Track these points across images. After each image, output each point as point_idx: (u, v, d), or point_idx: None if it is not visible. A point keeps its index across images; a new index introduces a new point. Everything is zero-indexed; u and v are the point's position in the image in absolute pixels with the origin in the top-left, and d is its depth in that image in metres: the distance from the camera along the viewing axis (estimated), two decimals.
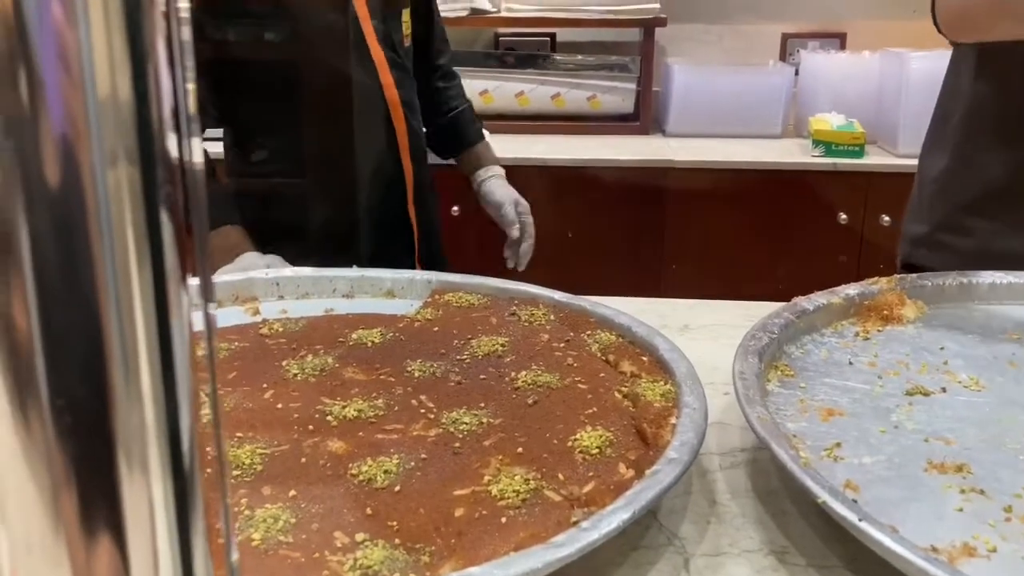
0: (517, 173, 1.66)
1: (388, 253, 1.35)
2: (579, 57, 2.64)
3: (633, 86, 2.55)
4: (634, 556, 0.65)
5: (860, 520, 0.57)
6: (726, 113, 2.48)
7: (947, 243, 1.28)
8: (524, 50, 2.72)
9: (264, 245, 1.26)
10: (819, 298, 0.98)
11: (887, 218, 2.12)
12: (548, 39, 2.74)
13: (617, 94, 2.55)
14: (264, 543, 0.57)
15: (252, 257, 1.21)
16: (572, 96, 2.56)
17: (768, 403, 0.79)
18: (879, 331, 0.97)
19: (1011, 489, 0.67)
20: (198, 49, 0.23)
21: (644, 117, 2.54)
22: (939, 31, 1.16)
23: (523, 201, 1.53)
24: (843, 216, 2.17)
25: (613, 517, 0.57)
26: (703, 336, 1.08)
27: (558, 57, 2.66)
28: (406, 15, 1.40)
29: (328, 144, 1.34)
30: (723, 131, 2.48)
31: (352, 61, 1.32)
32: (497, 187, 1.51)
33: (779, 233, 2.21)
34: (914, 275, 1.06)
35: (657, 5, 2.54)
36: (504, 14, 2.56)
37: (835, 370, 0.88)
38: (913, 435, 0.75)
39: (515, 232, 1.50)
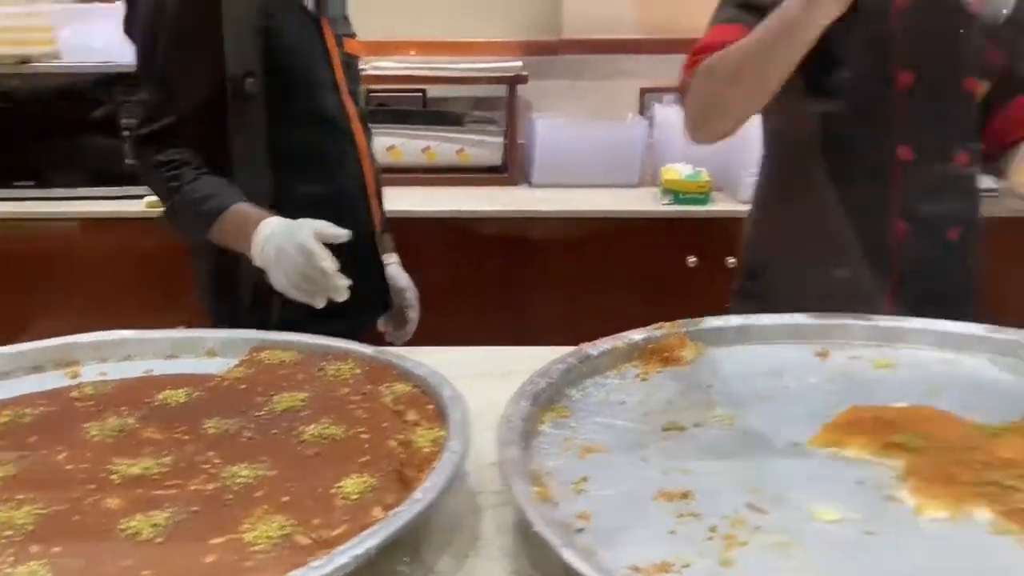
0: (393, 225, 1.69)
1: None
2: (449, 112, 2.75)
3: (500, 139, 2.66)
4: None
5: (561, 547, 0.65)
6: (587, 164, 2.61)
7: (752, 287, 1.41)
8: (395, 106, 2.81)
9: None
10: (604, 343, 1.08)
11: (732, 260, 2.26)
12: (420, 95, 2.84)
13: (485, 147, 2.66)
14: None
15: (277, 223, 1.21)
16: (442, 149, 2.65)
17: (534, 443, 0.88)
18: (658, 372, 1.07)
19: (723, 512, 0.76)
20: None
21: (512, 169, 2.65)
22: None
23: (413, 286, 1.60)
24: (691, 259, 2.31)
25: (345, 554, 0.64)
26: (517, 382, 1.15)
27: (429, 112, 2.76)
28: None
29: (312, 189, 1.39)
30: (585, 181, 2.61)
31: (332, 109, 1.41)
32: (399, 273, 1.58)
33: (635, 277, 2.34)
34: (698, 319, 1.17)
35: (520, 63, 2.68)
36: (372, 71, 2.66)
37: (607, 410, 0.97)
38: (656, 467, 0.84)
39: (412, 315, 1.56)
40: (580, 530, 0.73)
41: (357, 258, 1.45)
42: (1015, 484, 0.77)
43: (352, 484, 0.76)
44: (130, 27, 1.33)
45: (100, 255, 2.32)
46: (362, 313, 1.49)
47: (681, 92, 1.28)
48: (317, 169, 1.40)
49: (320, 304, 1.16)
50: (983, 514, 0.75)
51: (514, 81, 2.62)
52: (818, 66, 1.17)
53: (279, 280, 1.19)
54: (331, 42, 1.41)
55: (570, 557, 0.64)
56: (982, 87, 1.25)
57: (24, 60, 2.44)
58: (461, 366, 1.07)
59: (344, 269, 1.37)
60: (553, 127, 2.65)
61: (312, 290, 1.16)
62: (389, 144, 2.61)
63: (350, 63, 1.48)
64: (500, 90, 2.68)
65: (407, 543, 0.79)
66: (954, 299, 1.28)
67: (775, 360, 1.10)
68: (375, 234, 1.51)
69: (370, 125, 1.59)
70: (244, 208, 1.26)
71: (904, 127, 1.23)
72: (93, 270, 2.29)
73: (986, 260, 1.34)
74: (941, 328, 1.13)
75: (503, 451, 0.80)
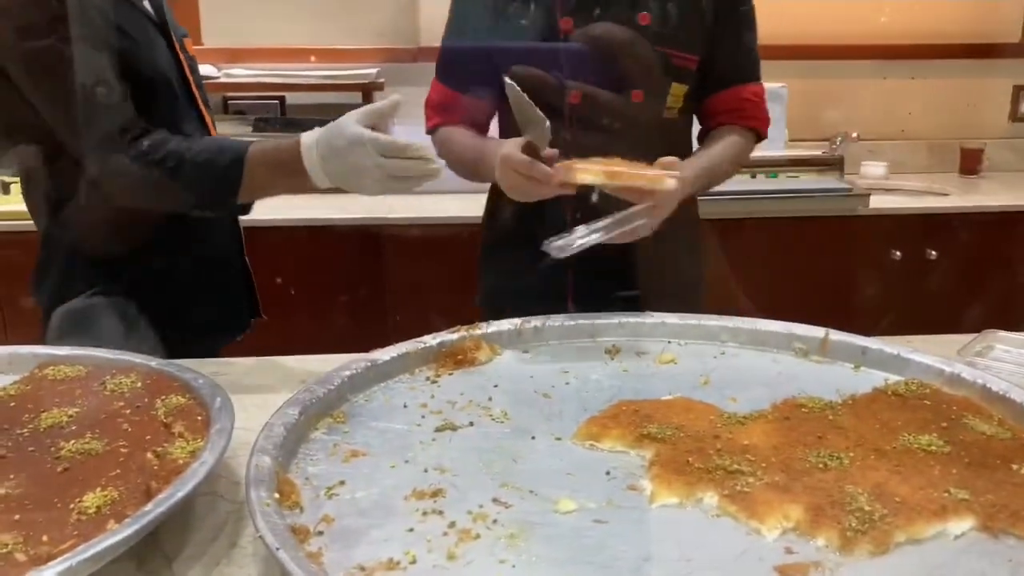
0: (253, 235, 1.63)
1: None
2: (306, 120, 2.72)
3: None
4: None
5: (277, 550, 0.66)
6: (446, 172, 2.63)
7: None
8: (254, 113, 2.78)
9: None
10: (397, 348, 1.10)
11: None
12: (277, 102, 2.81)
13: None
14: None
15: (315, 132, 1.15)
16: None
17: (301, 449, 0.89)
18: (450, 375, 1.09)
19: (467, 508, 0.79)
20: None
21: None
22: None
23: None
24: None
25: (62, 566, 0.64)
26: None
27: (286, 119, 2.73)
28: None
29: None
30: (441, 187, 2.62)
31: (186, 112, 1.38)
32: None
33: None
34: (497, 322, 1.19)
35: (375, 70, 2.68)
36: (226, 79, 2.62)
37: (386, 414, 0.98)
38: (417, 467, 0.86)
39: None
40: (320, 533, 0.75)
41: (226, 270, 1.44)
42: (741, 468, 0.82)
43: (92, 499, 0.76)
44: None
45: None
46: (229, 326, 1.49)
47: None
48: None
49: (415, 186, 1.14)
50: (711, 498, 0.80)
51: (369, 88, 2.63)
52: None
53: (363, 185, 1.12)
54: (176, 45, 1.37)
55: (286, 560, 0.65)
56: (673, 90, 1.36)
57: None
58: (269, 372, 1.07)
59: (211, 282, 1.37)
60: (411, 133, 2.66)
61: (402, 175, 1.11)
62: None
63: (193, 65, 1.43)
64: (357, 97, 2.68)
65: (157, 552, 0.79)
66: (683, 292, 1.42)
67: (565, 359, 1.14)
68: (243, 246, 1.50)
69: (230, 134, 1.59)
70: (263, 142, 1.17)
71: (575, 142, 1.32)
72: None
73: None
74: (721, 324, 1.19)
75: (252, 459, 0.80)
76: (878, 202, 2.46)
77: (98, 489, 0.77)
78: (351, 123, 1.10)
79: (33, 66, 1.17)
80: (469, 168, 1.41)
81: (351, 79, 2.64)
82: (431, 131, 1.47)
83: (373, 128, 1.12)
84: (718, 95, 1.40)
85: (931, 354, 1.07)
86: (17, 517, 0.74)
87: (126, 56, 1.23)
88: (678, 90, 1.37)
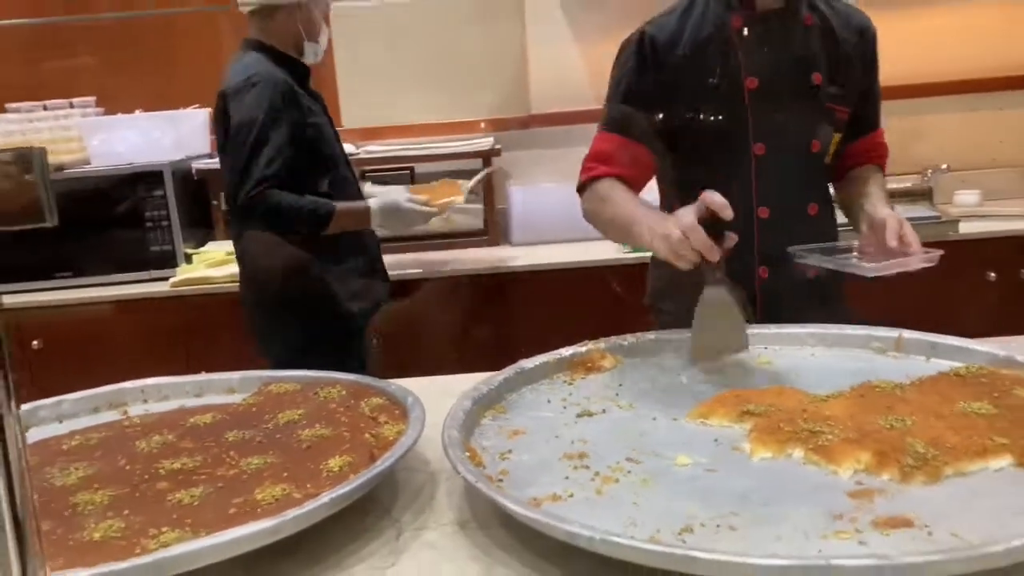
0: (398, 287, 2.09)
1: None
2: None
3: (480, 206, 2.98)
4: (364, 535, 0.99)
5: (476, 481, 0.92)
6: (559, 223, 2.91)
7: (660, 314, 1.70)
8: (387, 183, 3.15)
9: None
10: (538, 359, 1.36)
11: None
12: (408, 172, 3.18)
13: (468, 214, 2.98)
14: (102, 538, 0.89)
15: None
16: None
17: (476, 431, 1.16)
18: (582, 379, 1.35)
19: (607, 464, 1.03)
20: None
21: (492, 231, 2.97)
22: None
23: None
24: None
25: (325, 497, 0.92)
26: None
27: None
28: None
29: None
30: (559, 237, 2.91)
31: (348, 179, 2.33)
32: None
33: (599, 316, 2.62)
34: (619, 336, 1.44)
35: (491, 139, 3.01)
36: (363, 155, 3.00)
37: (535, 406, 1.24)
38: (565, 440, 1.11)
39: None
40: (500, 481, 1.01)
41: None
42: (823, 430, 1.04)
43: (335, 462, 1.04)
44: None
45: (131, 330, 2.63)
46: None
47: (580, 191, 1.59)
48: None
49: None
50: (798, 452, 1.02)
51: (488, 155, 2.96)
52: (689, 142, 1.51)
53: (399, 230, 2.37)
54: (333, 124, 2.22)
55: (483, 487, 0.92)
56: (833, 139, 1.56)
57: (59, 168, 2.79)
58: (431, 386, 1.35)
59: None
60: (528, 192, 2.98)
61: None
62: None
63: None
64: (478, 163, 3.01)
65: (379, 505, 1.06)
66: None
67: (678, 364, 1.38)
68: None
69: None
70: (347, 204, 2.17)
71: (759, 189, 1.54)
72: (126, 344, 2.60)
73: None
74: (808, 331, 1.41)
75: (445, 433, 1.07)
76: (968, 227, 2.59)
77: (336, 456, 1.06)
78: (402, 200, 2.25)
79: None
80: (621, 228, 1.47)
81: (472, 148, 2.98)
82: (588, 183, 1.56)
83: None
84: (862, 140, 1.64)
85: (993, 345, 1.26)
86: (285, 474, 1.03)
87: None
88: (836, 139, 1.59)
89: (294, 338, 2.16)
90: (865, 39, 1.61)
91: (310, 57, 2.26)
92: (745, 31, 1.53)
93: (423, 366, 1.88)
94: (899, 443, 0.98)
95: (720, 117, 1.52)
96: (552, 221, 2.92)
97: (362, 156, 3.00)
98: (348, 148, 2.96)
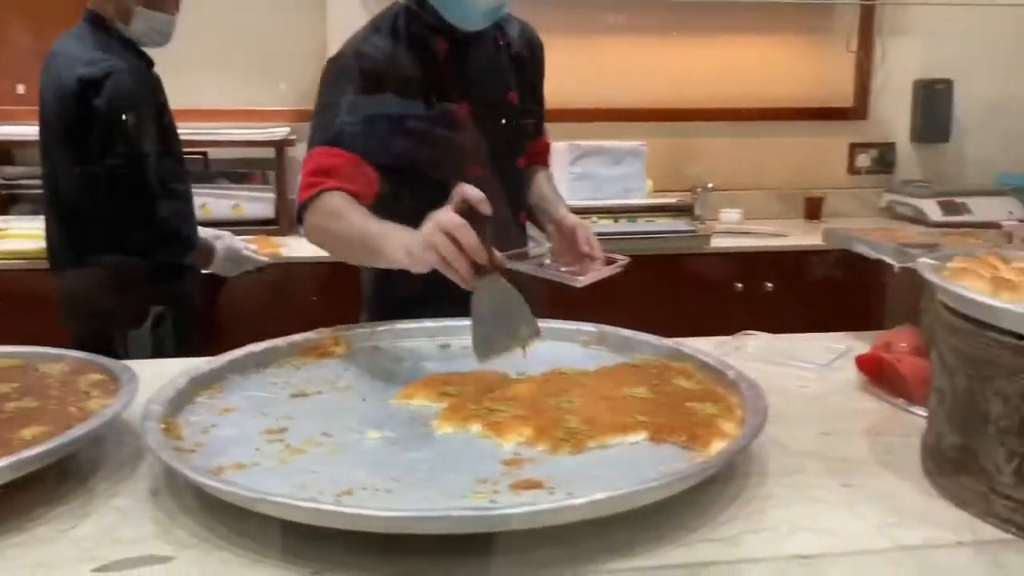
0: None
1: None
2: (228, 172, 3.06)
3: (272, 195, 2.99)
4: (55, 501, 1.02)
5: (159, 450, 0.98)
6: None
7: None
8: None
9: None
10: (268, 343, 1.42)
11: None
12: (201, 157, 3.14)
13: (258, 203, 2.99)
14: None
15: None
16: (218, 205, 2.95)
17: (186, 407, 1.20)
18: (313, 363, 1.42)
19: (302, 438, 1.11)
20: None
21: (283, 221, 2.99)
22: None
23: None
24: None
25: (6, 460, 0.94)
26: None
27: (207, 172, 3.06)
28: None
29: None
30: None
31: None
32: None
33: None
34: (351, 324, 1.52)
35: (287, 129, 3.03)
36: None
37: (256, 387, 1.30)
38: (272, 418, 1.18)
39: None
40: (192, 451, 1.06)
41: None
42: (501, 408, 1.16)
43: (28, 432, 1.06)
44: None
45: None
46: None
47: (300, 207, 1.49)
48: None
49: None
50: (476, 427, 1.13)
51: (282, 144, 2.98)
52: (407, 164, 1.57)
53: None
54: None
55: (164, 455, 0.97)
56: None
57: None
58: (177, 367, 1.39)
59: None
60: None
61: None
62: None
63: None
64: (271, 152, 3.02)
65: (78, 474, 1.09)
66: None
67: (404, 351, 1.48)
68: None
69: None
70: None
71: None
72: None
73: None
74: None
75: (148, 407, 1.12)
76: (722, 242, 2.87)
77: (33, 427, 1.08)
78: (241, 247, 2.43)
79: None
80: (359, 245, 1.38)
81: (266, 137, 2.98)
82: (313, 198, 1.45)
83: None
84: (535, 143, 1.79)
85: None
86: None
87: None
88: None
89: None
90: (536, 51, 1.75)
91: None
92: (451, 55, 1.60)
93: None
94: (558, 420, 1.12)
95: (435, 140, 1.58)
96: None
97: None
98: None
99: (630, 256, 1.60)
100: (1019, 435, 0.93)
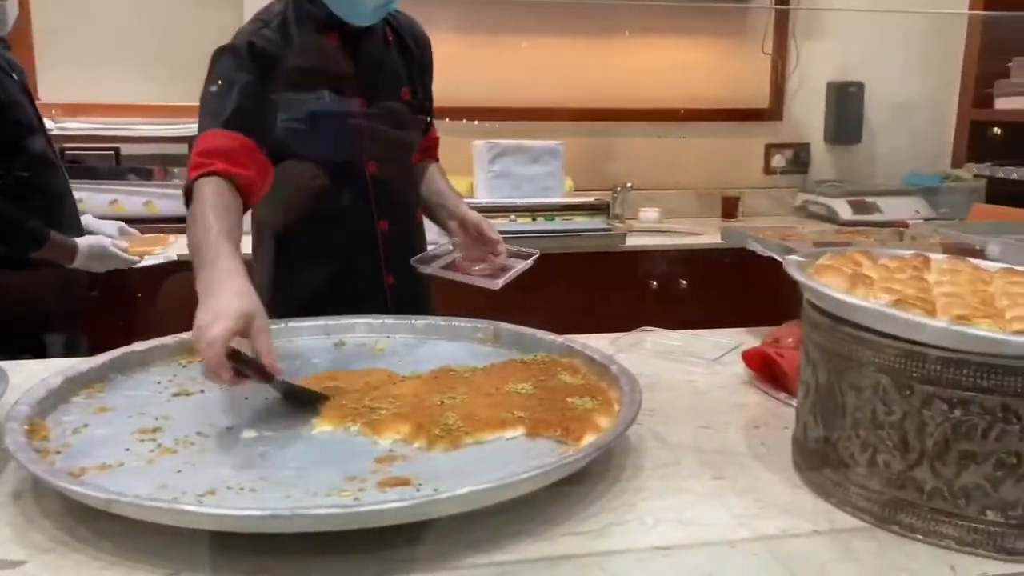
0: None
1: None
2: (139, 168, 3.00)
3: None
4: None
5: (16, 451, 0.95)
6: None
7: None
8: (90, 163, 3.02)
9: None
10: (154, 342, 1.39)
11: None
12: (113, 153, 3.06)
13: (170, 200, 2.93)
14: None
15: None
16: (130, 202, 2.89)
17: (60, 407, 1.17)
18: (200, 361, 1.38)
19: (175, 437, 1.09)
20: None
21: None
22: None
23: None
24: None
25: None
26: None
27: (119, 168, 2.99)
28: None
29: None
30: None
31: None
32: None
33: None
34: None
35: None
36: (59, 132, 2.86)
37: (137, 386, 1.28)
38: (149, 417, 1.16)
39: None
40: (58, 452, 1.04)
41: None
42: (382, 406, 1.16)
43: None
44: None
45: None
46: None
47: (187, 185, 1.39)
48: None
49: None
50: (355, 426, 1.13)
51: (193, 141, 2.91)
52: (304, 160, 1.56)
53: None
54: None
55: (20, 456, 0.94)
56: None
57: None
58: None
59: None
60: None
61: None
62: (77, 198, 2.81)
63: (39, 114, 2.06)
64: (184, 147, 2.96)
65: None
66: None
67: (297, 349, 1.47)
68: None
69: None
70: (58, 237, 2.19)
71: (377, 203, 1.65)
72: None
73: None
74: (425, 322, 1.54)
75: (15, 407, 1.09)
76: (638, 240, 2.91)
77: None
78: (109, 244, 2.27)
79: None
80: (194, 249, 1.27)
81: (179, 133, 2.92)
82: (199, 177, 1.36)
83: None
84: (426, 138, 1.81)
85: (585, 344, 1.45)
86: None
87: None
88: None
89: None
90: (424, 47, 1.75)
91: None
92: (341, 50, 1.59)
93: None
94: (437, 417, 1.12)
95: (331, 137, 1.58)
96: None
97: (57, 132, 2.85)
98: (46, 124, 2.83)
99: (545, 253, 1.62)
100: (872, 426, 0.96)
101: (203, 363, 1.08)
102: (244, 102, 1.44)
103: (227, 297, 1.13)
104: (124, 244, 2.43)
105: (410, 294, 1.69)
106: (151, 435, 1.10)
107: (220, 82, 1.47)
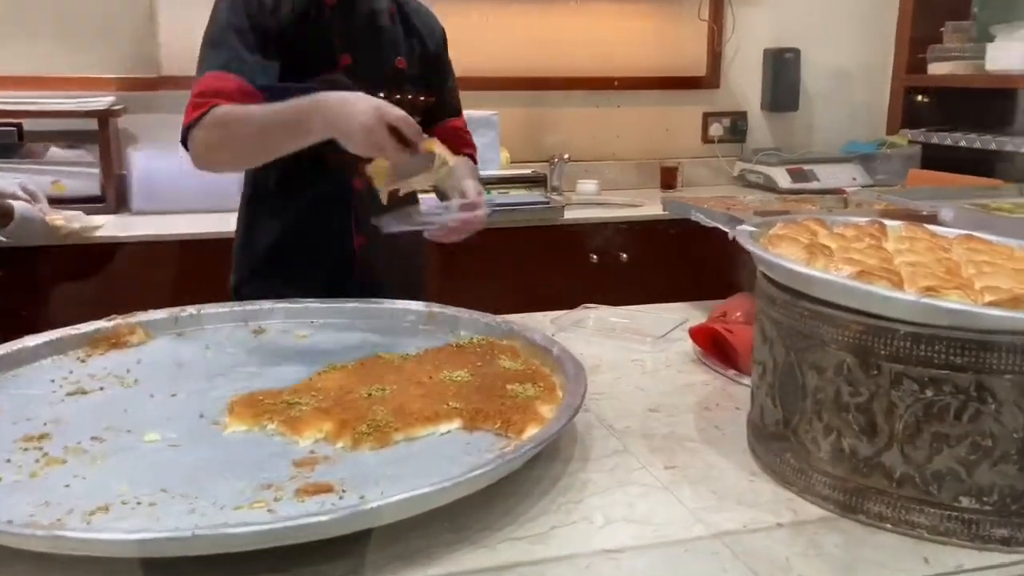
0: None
1: None
2: (40, 145, 2.78)
3: (96, 170, 2.74)
4: None
5: None
6: (187, 191, 2.76)
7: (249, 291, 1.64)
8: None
9: None
10: (50, 334, 1.25)
11: None
12: (15, 128, 2.84)
13: (81, 178, 2.73)
14: None
15: None
16: (35, 181, 2.68)
17: None
18: (101, 355, 1.26)
19: (65, 445, 0.96)
20: None
21: (110, 198, 2.75)
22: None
23: None
24: None
25: None
26: None
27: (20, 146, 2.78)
28: None
29: None
30: (186, 207, 2.76)
31: None
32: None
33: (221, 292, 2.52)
34: (153, 310, 1.37)
35: (112, 98, 2.78)
36: None
37: (28, 385, 1.14)
38: (37, 422, 1.03)
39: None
40: None
41: None
42: (301, 401, 1.05)
43: None
44: None
45: None
46: None
47: (187, 128, 1.43)
48: None
49: None
50: (272, 424, 1.02)
51: (106, 115, 2.72)
52: None
53: None
54: None
55: None
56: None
57: None
58: None
59: None
60: (151, 158, 2.79)
61: None
62: None
63: None
64: (94, 123, 2.76)
65: None
66: (405, 288, 1.59)
67: (212, 338, 1.34)
68: None
69: None
70: None
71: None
72: None
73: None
74: (352, 306, 1.43)
75: None
76: (577, 213, 2.82)
77: None
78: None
79: None
80: (274, 131, 1.37)
81: (88, 106, 2.73)
82: (203, 115, 1.40)
83: None
84: (445, 123, 1.69)
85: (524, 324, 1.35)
86: None
87: None
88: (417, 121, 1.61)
89: None
90: (438, 38, 1.71)
91: None
92: (337, 7, 1.55)
93: None
94: (364, 412, 1.02)
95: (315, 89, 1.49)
96: (179, 189, 2.75)
97: None
98: None
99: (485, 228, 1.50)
100: (836, 409, 0.89)
101: (372, 140, 1.25)
102: (243, 46, 1.46)
103: (354, 96, 1.30)
104: (61, 220, 2.23)
105: (381, 259, 1.60)
106: (37, 443, 0.97)
107: (221, 25, 1.49)
